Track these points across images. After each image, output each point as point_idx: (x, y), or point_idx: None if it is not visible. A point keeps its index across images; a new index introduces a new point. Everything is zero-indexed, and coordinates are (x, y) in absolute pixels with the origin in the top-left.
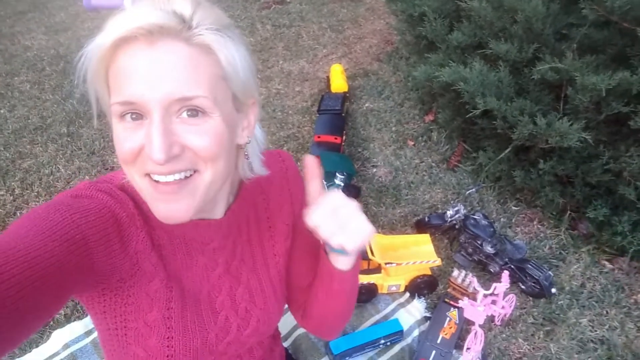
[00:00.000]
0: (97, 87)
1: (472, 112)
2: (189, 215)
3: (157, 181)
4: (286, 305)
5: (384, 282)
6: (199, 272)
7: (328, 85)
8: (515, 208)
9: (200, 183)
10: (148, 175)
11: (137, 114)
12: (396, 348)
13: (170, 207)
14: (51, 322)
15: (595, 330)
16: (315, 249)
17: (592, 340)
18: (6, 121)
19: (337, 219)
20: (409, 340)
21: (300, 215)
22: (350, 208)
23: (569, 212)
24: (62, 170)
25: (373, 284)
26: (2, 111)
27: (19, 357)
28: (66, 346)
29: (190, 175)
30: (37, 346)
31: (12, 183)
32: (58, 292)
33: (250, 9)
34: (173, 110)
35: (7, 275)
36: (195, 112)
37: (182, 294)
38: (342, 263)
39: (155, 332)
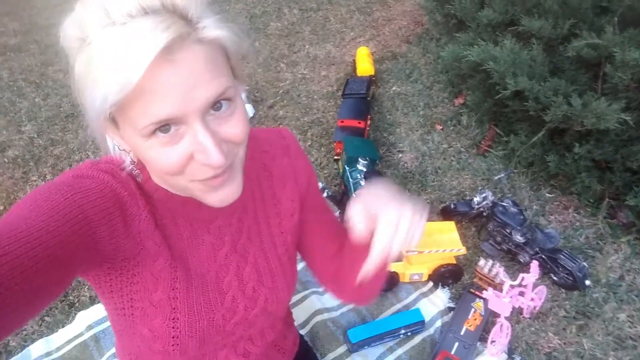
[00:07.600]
0: (100, 130)
1: (502, 92)
2: (240, 190)
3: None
4: (292, 291)
5: (405, 270)
6: (206, 252)
7: (354, 69)
8: (549, 195)
9: (237, 161)
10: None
11: (166, 126)
12: (417, 339)
13: (224, 192)
14: (77, 304)
15: (635, 327)
16: (332, 219)
17: (631, 337)
18: (40, 109)
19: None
20: (431, 331)
21: (308, 191)
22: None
23: (607, 199)
24: (92, 156)
25: (394, 272)
26: (37, 100)
27: (46, 335)
28: (90, 327)
29: None
30: (63, 326)
31: (44, 169)
32: (61, 273)
33: None
34: (206, 112)
35: (9, 257)
36: (219, 104)
37: (188, 274)
38: None
39: (160, 312)
